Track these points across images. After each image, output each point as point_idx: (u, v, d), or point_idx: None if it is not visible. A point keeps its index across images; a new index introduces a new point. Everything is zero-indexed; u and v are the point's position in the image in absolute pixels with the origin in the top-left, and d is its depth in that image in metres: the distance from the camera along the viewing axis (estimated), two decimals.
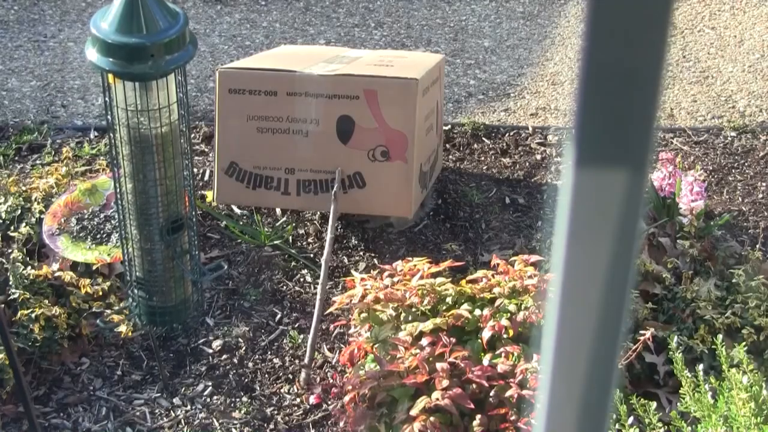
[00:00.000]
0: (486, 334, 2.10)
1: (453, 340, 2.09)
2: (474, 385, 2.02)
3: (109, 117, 2.03)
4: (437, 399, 1.97)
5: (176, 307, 2.27)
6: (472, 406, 1.98)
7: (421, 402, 1.98)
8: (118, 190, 2.12)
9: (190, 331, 2.71)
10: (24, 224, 2.78)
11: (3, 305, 2.53)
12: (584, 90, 0.43)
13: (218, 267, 2.34)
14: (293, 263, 2.90)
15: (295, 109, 2.66)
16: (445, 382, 1.99)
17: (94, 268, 2.64)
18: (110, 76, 1.95)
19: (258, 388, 2.54)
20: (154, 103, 1.99)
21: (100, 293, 2.56)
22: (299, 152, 2.70)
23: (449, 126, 3.53)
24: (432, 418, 1.96)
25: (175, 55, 1.93)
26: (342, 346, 2.60)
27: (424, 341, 2.08)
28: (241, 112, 2.67)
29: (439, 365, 2.02)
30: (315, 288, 2.81)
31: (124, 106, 1.99)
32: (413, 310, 2.23)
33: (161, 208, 2.10)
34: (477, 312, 2.18)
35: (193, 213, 2.20)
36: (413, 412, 1.98)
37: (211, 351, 2.64)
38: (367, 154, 2.56)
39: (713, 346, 2.16)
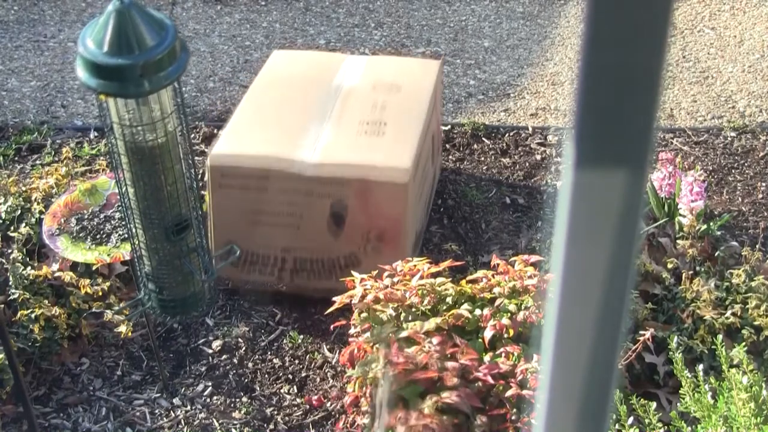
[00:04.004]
0: (488, 334, 2.10)
1: (464, 341, 2.09)
2: (480, 384, 2.02)
3: (106, 129, 2.02)
4: (447, 397, 1.97)
5: (187, 300, 2.26)
6: (480, 405, 1.98)
7: (431, 400, 1.98)
8: (120, 193, 2.11)
9: (190, 331, 2.71)
10: (24, 224, 2.78)
11: (3, 305, 2.53)
12: (584, 90, 0.43)
13: (231, 252, 2.32)
14: None
15: (286, 202, 2.62)
16: (456, 381, 1.99)
17: (94, 268, 2.64)
18: (101, 95, 1.92)
19: (258, 389, 2.54)
20: (149, 117, 1.97)
21: (100, 293, 2.56)
22: (292, 240, 2.67)
23: (449, 126, 3.53)
24: (445, 417, 1.96)
25: (168, 70, 1.88)
26: (342, 346, 2.60)
27: (434, 340, 2.08)
28: (233, 204, 2.63)
29: (450, 364, 2.02)
30: None
31: (118, 121, 1.97)
32: (413, 310, 2.23)
33: (164, 211, 2.09)
34: (477, 312, 2.18)
35: (199, 211, 2.19)
36: (425, 412, 1.98)
37: (211, 351, 2.65)
38: (360, 242, 2.53)
39: (713, 347, 2.16)
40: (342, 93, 2.92)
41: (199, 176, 3.23)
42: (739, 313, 2.40)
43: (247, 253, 2.67)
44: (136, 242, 2.16)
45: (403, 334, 2.12)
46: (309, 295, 2.73)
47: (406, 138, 2.70)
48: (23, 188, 2.93)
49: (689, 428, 1.90)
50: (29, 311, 2.46)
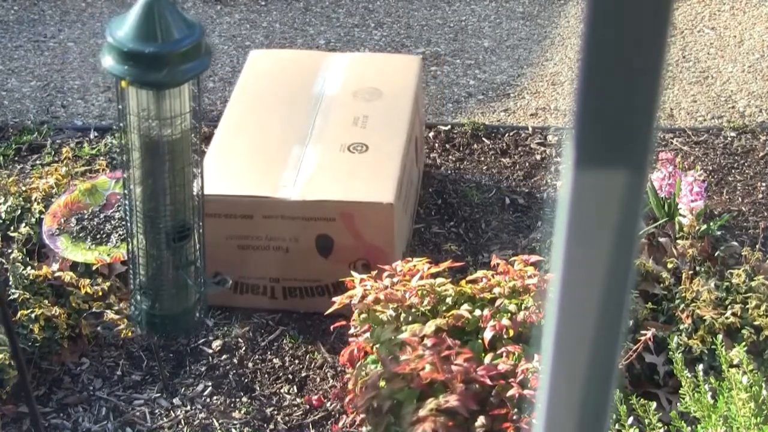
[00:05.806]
0: (488, 335, 2.10)
1: (458, 342, 2.09)
2: (476, 385, 2.02)
3: (121, 123, 2.03)
4: (447, 401, 1.96)
5: (178, 317, 2.27)
6: (478, 407, 1.98)
7: (430, 403, 1.97)
8: (126, 194, 2.12)
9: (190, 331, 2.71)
10: (24, 224, 2.78)
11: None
12: (584, 90, 0.43)
13: (223, 282, 2.33)
14: None
15: (272, 228, 2.63)
16: (461, 386, 1.98)
17: (94, 268, 2.64)
18: (123, 82, 1.96)
19: (258, 389, 2.54)
20: (167, 111, 2.00)
21: (100, 293, 2.56)
22: (281, 265, 2.68)
23: (449, 126, 3.53)
24: (442, 419, 1.95)
25: (190, 64, 1.94)
26: (342, 346, 2.60)
27: (428, 342, 2.07)
28: (220, 233, 2.63)
29: (454, 368, 2.01)
30: None
31: (136, 113, 2.00)
32: (413, 310, 2.23)
33: (168, 216, 2.10)
34: (477, 312, 2.17)
35: (201, 223, 2.19)
36: (422, 413, 1.97)
37: (211, 351, 2.65)
38: (349, 267, 2.54)
39: (713, 347, 2.16)
40: (322, 104, 2.94)
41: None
42: (739, 313, 2.40)
43: (237, 277, 2.68)
44: (135, 247, 2.16)
45: (402, 336, 2.12)
46: (304, 311, 2.75)
47: (390, 155, 2.74)
48: (23, 188, 2.93)
49: (689, 428, 1.90)
50: (29, 311, 2.46)
